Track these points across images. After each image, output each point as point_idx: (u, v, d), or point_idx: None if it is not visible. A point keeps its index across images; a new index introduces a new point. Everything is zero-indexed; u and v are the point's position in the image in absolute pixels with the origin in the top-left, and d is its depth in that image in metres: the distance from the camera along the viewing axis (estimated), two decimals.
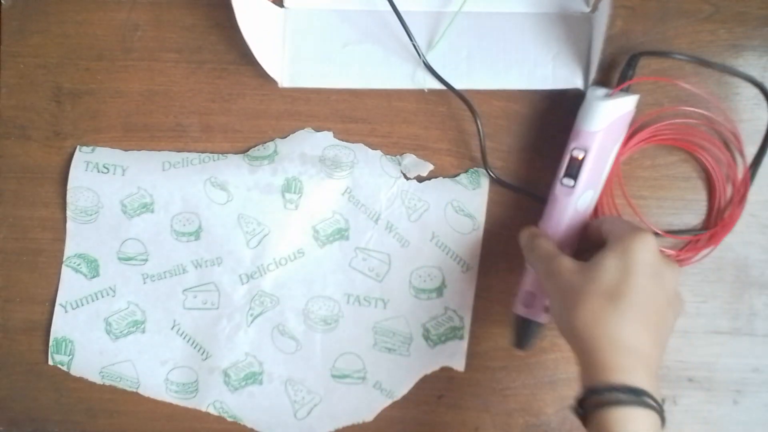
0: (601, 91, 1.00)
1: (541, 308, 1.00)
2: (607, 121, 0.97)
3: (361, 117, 1.11)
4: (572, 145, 0.98)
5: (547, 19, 1.09)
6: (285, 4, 1.11)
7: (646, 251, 0.84)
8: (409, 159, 1.10)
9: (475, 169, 1.09)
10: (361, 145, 1.10)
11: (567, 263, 0.88)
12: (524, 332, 1.01)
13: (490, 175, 1.08)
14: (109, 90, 1.13)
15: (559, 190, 0.99)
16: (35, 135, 1.13)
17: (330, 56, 1.11)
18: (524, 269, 1.03)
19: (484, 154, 1.08)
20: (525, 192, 1.09)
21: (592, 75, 1.05)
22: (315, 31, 1.11)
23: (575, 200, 0.98)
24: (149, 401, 1.11)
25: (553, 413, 1.09)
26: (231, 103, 1.12)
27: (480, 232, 1.09)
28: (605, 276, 0.82)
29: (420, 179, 1.09)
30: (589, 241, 0.99)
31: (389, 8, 1.07)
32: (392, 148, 1.11)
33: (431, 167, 1.09)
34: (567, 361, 1.07)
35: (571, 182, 0.98)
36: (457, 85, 1.08)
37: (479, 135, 1.08)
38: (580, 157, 0.97)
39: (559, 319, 0.88)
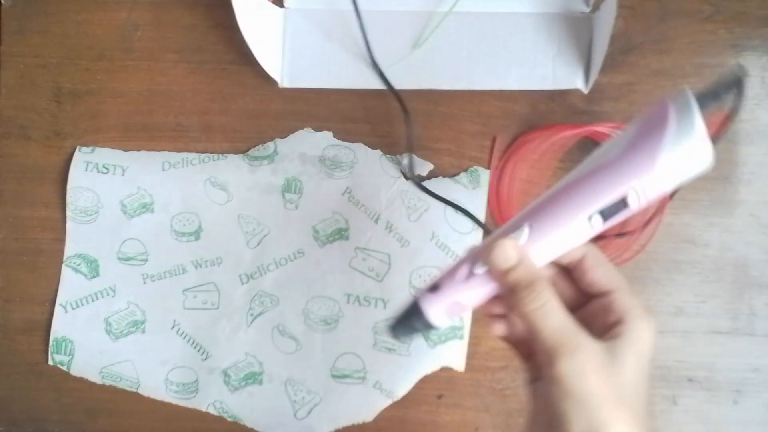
0: (702, 126, 0.60)
1: (452, 318, 0.77)
2: (692, 174, 0.63)
3: (361, 117, 1.11)
4: (633, 181, 0.63)
5: (547, 19, 1.09)
6: (285, 4, 1.11)
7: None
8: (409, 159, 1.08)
9: (475, 168, 1.08)
10: (360, 145, 1.09)
11: (593, 355, 0.64)
12: (415, 330, 0.76)
13: (410, 175, 1.09)
14: (109, 90, 1.12)
15: (581, 224, 0.66)
16: (35, 135, 1.12)
17: (330, 56, 1.10)
18: (463, 269, 0.72)
19: (411, 158, 1.09)
20: (447, 202, 1.08)
21: (594, 75, 1.04)
22: (315, 31, 1.10)
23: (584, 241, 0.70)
24: (149, 401, 1.10)
25: None
26: (231, 103, 1.11)
27: (480, 232, 1.08)
28: (633, 387, 0.66)
29: (420, 179, 1.08)
30: None
31: (388, 8, 1.07)
32: (392, 148, 1.10)
33: (431, 167, 1.09)
34: None
35: (599, 222, 0.66)
36: (457, 86, 1.08)
37: (408, 135, 1.08)
38: (634, 205, 0.64)
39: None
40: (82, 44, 1.13)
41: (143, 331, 1.09)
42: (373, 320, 1.07)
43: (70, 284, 1.10)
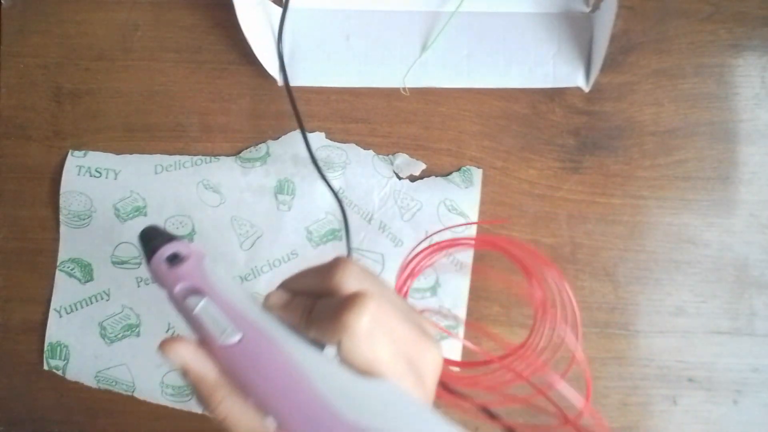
0: None
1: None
2: None
3: (361, 117, 1.05)
4: None
5: (546, 19, 1.04)
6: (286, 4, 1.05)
7: None
8: (402, 158, 1.03)
9: (468, 167, 1.03)
10: (352, 145, 1.04)
11: None
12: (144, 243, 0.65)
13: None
14: (109, 90, 1.06)
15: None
16: (35, 135, 1.06)
17: (329, 55, 1.05)
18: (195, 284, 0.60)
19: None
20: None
21: (595, 74, 0.99)
22: (315, 30, 1.05)
23: None
24: (149, 401, 1.03)
25: (553, 413, 0.97)
26: (231, 103, 1.06)
27: (473, 231, 1.02)
28: None
29: (413, 178, 1.03)
30: None
31: (388, 8, 1.04)
32: (392, 148, 1.04)
33: (423, 166, 1.03)
34: (567, 361, 0.97)
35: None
36: (458, 84, 1.03)
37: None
38: None
39: None
40: (82, 44, 1.07)
41: (138, 335, 1.03)
42: None
43: (64, 289, 1.04)
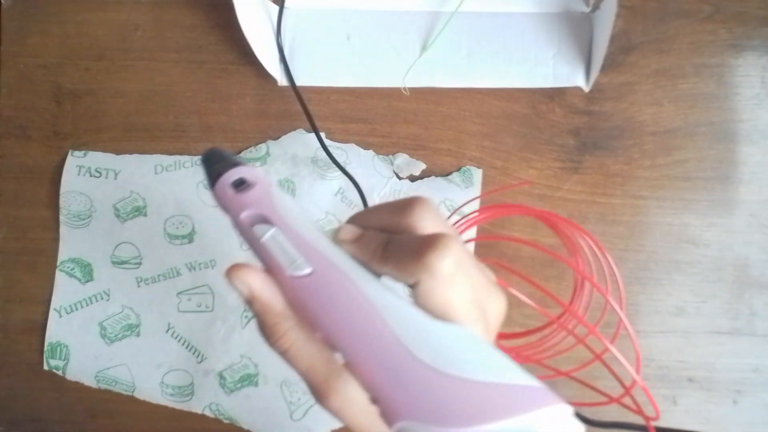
0: None
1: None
2: None
3: (361, 117, 1.04)
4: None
5: (547, 18, 1.04)
6: (285, 3, 1.04)
7: None
8: (402, 158, 1.03)
9: (468, 167, 1.03)
10: (353, 145, 1.03)
11: (352, 387, 0.53)
12: (209, 166, 0.60)
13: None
14: (109, 90, 1.06)
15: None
16: (35, 135, 1.05)
17: (329, 55, 1.05)
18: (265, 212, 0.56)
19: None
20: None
21: (595, 74, 0.99)
22: (315, 30, 1.05)
23: None
24: (149, 401, 1.03)
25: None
26: (231, 103, 1.05)
27: (473, 230, 1.01)
28: None
29: (413, 178, 1.03)
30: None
31: (388, 8, 1.03)
32: (392, 148, 1.04)
33: (423, 166, 1.03)
34: (567, 361, 0.97)
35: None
36: (458, 84, 1.03)
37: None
38: None
39: None
40: (82, 44, 1.06)
41: (138, 335, 1.02)
42: None
43: (64, 289, 1.03)
